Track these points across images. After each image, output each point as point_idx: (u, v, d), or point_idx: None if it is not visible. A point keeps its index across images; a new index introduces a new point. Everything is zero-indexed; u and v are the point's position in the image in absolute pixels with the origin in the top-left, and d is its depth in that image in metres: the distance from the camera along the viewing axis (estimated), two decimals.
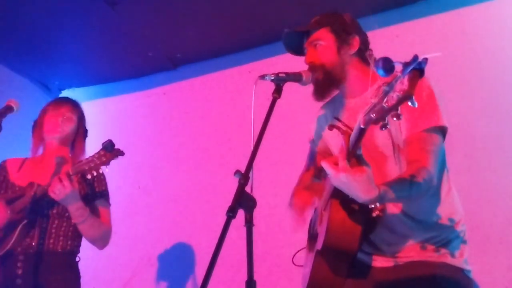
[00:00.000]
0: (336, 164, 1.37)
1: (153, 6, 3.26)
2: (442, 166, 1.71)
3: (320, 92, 1.81)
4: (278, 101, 1.64)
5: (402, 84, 1.08)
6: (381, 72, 1.08)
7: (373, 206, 1.41)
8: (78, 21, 3.39)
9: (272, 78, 1.67)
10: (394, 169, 1.68)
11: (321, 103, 1.93)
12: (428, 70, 1.12)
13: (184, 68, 3.93)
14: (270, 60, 3.47)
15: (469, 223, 1.75)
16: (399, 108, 1.10)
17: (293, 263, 1.94)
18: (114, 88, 4.16)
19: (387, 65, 1.08)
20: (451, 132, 1.65)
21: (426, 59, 1.06)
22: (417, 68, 1.06)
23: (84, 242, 2.43)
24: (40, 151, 2.48)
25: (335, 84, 1.81)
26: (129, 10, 3.30)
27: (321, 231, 1.67)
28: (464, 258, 1.67)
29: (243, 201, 1.40)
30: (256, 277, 1.37)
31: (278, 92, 1.65)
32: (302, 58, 1.90)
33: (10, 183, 2.38)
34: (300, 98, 2.01)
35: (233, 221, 1.37)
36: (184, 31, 3.51)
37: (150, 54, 3.76)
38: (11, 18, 3.29)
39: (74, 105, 2.54)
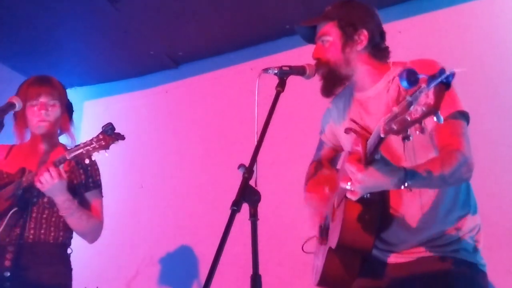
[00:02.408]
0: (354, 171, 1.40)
1: (154, 4, 3.26)
2: None
3: (326, 89, 1.81)
4: (282, 95, 1.63)
5: (427, 97, 1.05)
6: (404, 84, 1.07)
7: (405, 186, 1.42)
8: (79, 19, 3.39)
9: (276, 71, 1.67)
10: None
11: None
12: None
13: (186, 66, 3.93)
14: (271, 57, 3.46)
15: (484, 220, 1.74)
16: (423, 122, 1.08)
17: (303, 250, 1.92)
18: (116, 86, 4.16)
19: (412, 77, 1.06)
20: None
21: (453, 73, 1.03)
22: (444, 82, 1.03)
23: (85, 242, 2.37)
24: (27, 137, 2.34)
25: (341, 81, 1.80)
26: (131, 9, 3.30)
27: (334, 228, 1.66)
28: (478, 253, 1.65)
29: (248, 195, 1.39)
30: (261, 271, 1.36)
31: (281, 85, 1.65)
32: (304, 55, 1.89)
33: None
34: (303, 92, 2.01)
35: (237, 216, 1.36)
36: (185, 29, 3.50)
37: (151, 53, 3.76)
38: (12, 17, 3.30)
39: (52, 87, 2.32)
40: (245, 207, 1.40)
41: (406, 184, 1.42)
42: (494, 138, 2.74)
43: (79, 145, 2.01)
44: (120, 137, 1.99)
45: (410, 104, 1.10)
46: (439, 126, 1.56)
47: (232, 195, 1.40)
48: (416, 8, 3.12)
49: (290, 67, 1.71)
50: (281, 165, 3.15)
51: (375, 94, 1.77)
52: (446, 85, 1.03)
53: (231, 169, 1.60)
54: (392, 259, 1.68)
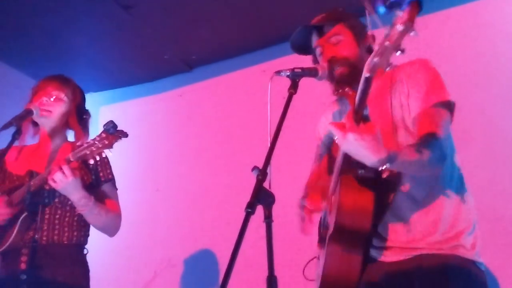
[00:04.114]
0: (343, 126, 1.37)
1: (167, 9, 3.29)
2: (451, 148, 1.68)
3: (346, 84, 1.77)
4: (294, 97, 1.64)
5: (402, 18, 1.13)
6: (381, 10, 1.15)
7: (383, 168, 1.39)
8: (94, 26, 3.43)
9: (288, 73, 1.67)
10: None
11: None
12: (444, 64, 1.15)
13: (199, 70, 3.95)
14: (284, 59, 3.45)
15: (491, 216, 1.71)
16: (402, 42, 1.15)
17: (304, 276, 1.89)
18: (131, 91, 4.20)
19: (386, 2, 1.15)
20: (471, 126, 1.64)
21: None
22: (415, 1, 1.11)
23: (104, 245, 2.39)
24: (36, 138, 2.33)
25: (358, 78, 1.79)
26: (144, 14, 3.33)
27: (333, 215, 1.64)
28: (476, 250, 1.62)
29: (262, 197, 1.39)
30: (276, 273, 1.37)
31: (294, 87, 1.65)
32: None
33: (8, 173, 2.24)
34: (316, 93, 2.01)
35: (252, 218, 1.37)
36: (198, 32, 3.53)
37: (165, 57, 3.79)
38: (27, 25, 3.35)
39: (63, 82, 2.29)
40: (259, 209, 1.41)
41: (384, 167, 1.39)
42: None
43: (82, 145, 1.97)
44: (123, 134, 1.93)
45: (386, 35, 1.18)
46: (421, 115, 1.59)
47: (246, 197, 1.41)
48: (427, 7, 3.09)
49: (302, 68, 1.71)
50: (295, 166, 3.15)
51: (377, 93, 1.74)
52: (418, 3, 1.12)
53: (245, 171, 1.61)
54: (389, 257, 1.64)
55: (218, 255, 3.39)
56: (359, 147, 1.36)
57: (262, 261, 1.40)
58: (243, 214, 1.36)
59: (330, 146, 1.97)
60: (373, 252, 1.67)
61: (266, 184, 1.44)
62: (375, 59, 1.22)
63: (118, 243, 2.44)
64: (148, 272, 3.59)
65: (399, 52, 1.16)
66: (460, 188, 1.68)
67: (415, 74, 1.68)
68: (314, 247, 1.90)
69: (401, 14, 1.13)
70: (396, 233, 1.64)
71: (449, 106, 1.62)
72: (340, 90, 1.80)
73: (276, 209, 1.43)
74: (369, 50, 1.83)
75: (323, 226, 1.86)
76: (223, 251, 3.36)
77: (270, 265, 1.36)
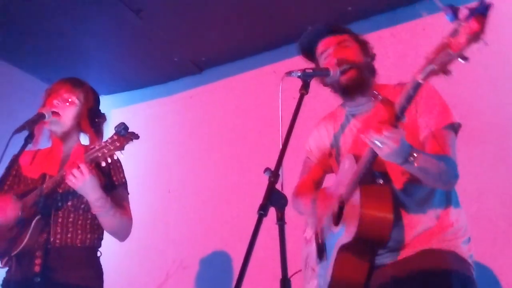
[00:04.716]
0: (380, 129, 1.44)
1: (177, 12, 3.30)
2: None
3: (354, 89, 1.82)
4: (306, 97, 1.63)
5: (470, 26, 1.16)
6: (450, 17, 1.19)
7: (411, 158, 1.48)
8: (105, 30, 3.46)
9: (299, 74, 1.68)
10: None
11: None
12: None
13: (209, 71, 3.96)
14: (293, 60, 3.43)
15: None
16: (466, 50, 1.19)
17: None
18: (142, 94, 4.22)
19: (454, 10, 1.20)
20: (487, 127, 1.67)
21: (491, 4, 1.15)
22: (483, 13, 1.15)
23: (117, 247, 2.39)
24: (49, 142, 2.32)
25: (366, 85, 1.84)
26: (154, 17, 3.35)
27: (349, 224, 1.65)
28: (471, 254, 1.70)
29: (274, 199, 1.39)
30: (290, 275, 1.36)
31: (305, 88, 1.65)
32: None
33: (22, 177, 2.24)
34: (327, 94, 2.00)
35: (265, 220, 1.36)
36: (207, 34, 3.53)
37: (175, 59, 3.81)
38: (39, 29, 3.38)
39: (75, 84, 2.28)
40: (272, 211, 1.40)
41: (414, 155, 1.48)
42: None
43: (93, 148, 1.97)
44: (134, 136, 1.92)
45: (446, 45, 1.22)
46: (429, 137, 1.69)
47: (258, 199, 1.40)
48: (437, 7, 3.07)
49: (313, 69, 1.74)
50: None
51: (377, 114, 1.81)
52: (484, 15, 1.16)
53: (257, 172, 1.60)
54: (391, 259, 1.69)
55: (230, 257, 3.38)
56: (398, 144, 1.44)
57: (274, 263, 1.39)
58: (255, 216, 1.36)
59: (322, 160, 2.02)
60: (380, 258, 1.71)
61: (278, 186, 1.43)
62: (433, 66, 1.27)
63: (130, 245, 2.45)
64: (160, 273, 3.60)
65: (462, 60, 1.21)
66: (456, 196, 1.79)
67: (424, 98, 1.75)
68: None
69: (469, 22, 1.16)
70: (397, 235, 1.67)
71: (455, 128, 1.74)
72: (349, 95, 1.85)
73: (288, 211, 1.42)
74: (370, 67, 1.91)
75: (320, 244, 1.87)
76: (234, 252, 3.35)
77: (284, 268, 1.35)
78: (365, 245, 1.61)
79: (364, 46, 1.92)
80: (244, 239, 1.34)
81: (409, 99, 1.40)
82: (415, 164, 1.49)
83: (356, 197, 1.62)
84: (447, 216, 1.71)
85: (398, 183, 1.69)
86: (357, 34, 1.96)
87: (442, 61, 1.25)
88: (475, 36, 1.16)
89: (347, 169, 1.75)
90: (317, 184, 2.03)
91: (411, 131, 1.71)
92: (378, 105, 1.83)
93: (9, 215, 2.07)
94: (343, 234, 1.67)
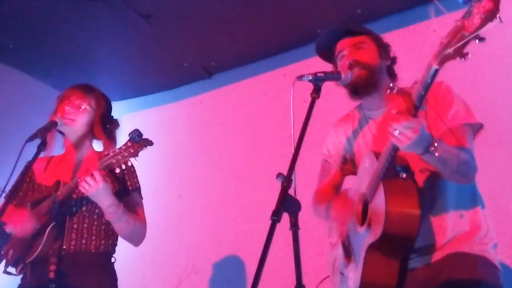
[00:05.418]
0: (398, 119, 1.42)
1: (186, 17, 3.31)
2: None
3: (361, 88, 1.80)
4: (317, 101, 1.62)
5: (484, 6, 1.13)
6: (463, 0, 1.16)
7: (432, 148, 1.46)
8: (115, 36, 3.48)
9: (310, 78, 1.66)
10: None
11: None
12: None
13: (219, 76, 3.96)
14: (303, 63, 3.44)
15: None
16: (482, 30, 1.15)
17: None
18: (151, 99, 4.23)
19: None
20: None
21: None
22: None
23: (129, 252, 2.40)
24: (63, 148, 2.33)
25: (374, 85, 1.82)
26: (163, 22, 3.36)
27: (376, 222, 1.62)
28: (498, 258, 1.68)
29: (288, 204, 1.38)
30: (304, 281, 1.34)
31: (317, 92, 1.65)
32: None
33: (36, 184, 2.26)
34: (339, 97, 1.99)
35: (278, 225, 1.35)
36: (216, 39, 3.54)
37: (185, 64, 3.81)
38: (49, 36, 3.40)
39: (86, 91, 2.29)
40: (285, 216, 1.39)
41: (435, 145, 1.46)
42: None
43: (108, 154, 1.98)
44: (148, 142, 1.93)
45: (459, 28, 1.19)
46: (447, 132, 1.64)
47: (271, 201, 1.39)
48: (450, 6, 3.04)
49: (325, 72, 1.72)
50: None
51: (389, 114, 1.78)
52: None
53: (269, 174, 1.59)
54: (421, 263, 1.67)
55: (242, 261, 3.37)
56: (419, 133, 1.41)
57: (288, 269, 1.38)
58: (267, 220, 1.35)
59: (340, 163, 1.99)
60: (411, 262, 1.68)
61: (291, 191, 1.42)
62: (449, 50, 1.24)
63: (142, 250, 2.45)
64: (172, 278, 3.60)
65: (478, 41, 1.18)
66: (481, 197, 1.76)
67: (442, 98, 1.73)
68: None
69: (482, 3, 1.14)
70: (426, 239, 1.65)
71: (474, 128, 1.71)
72: (356, 94, 1.84)
73: (302, 216, 1.41)
74: (389, 70, 1.90)
75: (346, 247, 1.84)
76: (247, 257, 3.34)
77: (298, 274, 1.34)
78: (393, 242, 1.57)
79: (382, 49, 1.90)
80: (256, 243, 1.33)
81: (427, 87, 1.36)
82: (436, 154, 1.46)
83: (380, 194, 1.59)
84: (476, 218, 1.68)
85: (420, 181, 1.67)
86: (377, 36, 1.93)
87: (457, 44, 1.22)
88: (490, 15, 1.13)
89: (368, 167, 1.72)
90: (337, 187, 2.00)
91: (431, 121, 1.69)
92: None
93: (26, 228, 2.09)
94: (369, 234, 1.65)
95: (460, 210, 1.67)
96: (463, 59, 1.21)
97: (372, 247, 1.62)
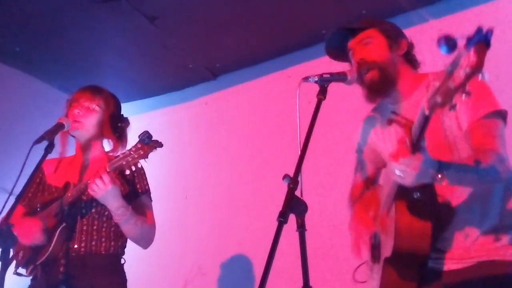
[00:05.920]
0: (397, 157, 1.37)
1: (191, 19, 3.32)
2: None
3: (376, 91, 1.76)
4: (323, 102, 1.62)
5: (469, 59, 1.05)
6: (444, 49, 1.08)
7: (439, 176, 1.39)
8: (121, 38, 3.49)
9: (316, 79, 1.65)
10: None
11: (363, 108, 1.90)
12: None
13: (224, 77, 3.95)
14: (309, 64, 3.44)
15: None
16: (467, 85, 1.08)
17: (354, 279, 1.86)
18: (157, 101, 4.24)
19: (450, 41, 1.07)
20: None
21: (491, 30, 1.03)
22: (482, 41, 1.03)
23: (135, 252, 2.40)
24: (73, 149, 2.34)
25: (390, 83, 1.76)
26: (168, 24, 3.36)
27: (387, 237, 1.61)
28: None
29: (294, 206, 1.38)
30: (311, 283, 1.34)
31: (323, 93, 1.64)
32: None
33: (46, 185, 2.27)
34: (346, 98, 1.98)
35: (285, 227, 1.35)
36: (221, 41, 3.54)
37: (190, 66, 3.82)
38: (56, 38, 3.42)
39: (94, 92, 2.30)
40: (292, 218, 1.39)
41: (439, 176, 1.39)
42: None
43: (118, 156, 2.00)
44: (158, 144, 1.95)
45: (450, 72, 1.10)
46: (474, 127, 1.56)
47: (277, 202, 1.39)
48: (457, 5, 3.04)
49: (331, 74, 1.69)
50: (326, 174, 3.11)
51: (415, 102, 1.71)
52: (485, 43, 1.04)
53: (275, 175, 1.59)
54: (447, 266, 1.61)
55: (249, 262, 3.37)
56: (419, 170, 1.36)
57: (294, 270, 1.37)
58: (273, 221, 1.35)
59: (372, 157, 1.93)
60: (430, 263, 1.62)
61: (297, 192, 1.42)
62: (437, 99, 1.16)
63: (149, 252, 2.46)
64: (179, 280, 3.60)
65: (464, 96, 1.10)
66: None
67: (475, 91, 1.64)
68: (349, 256, 1.86)
69: (468, 55, 1.06)
70: (455, 243, 1.61)
71: (502, 115, 1.61)
72: (373, 97, 1.79)
73: (308, 218, 1.41)
74: (407, 57, 1.82)
75: (374, 244, 1.81)
76: (253, 258, 3.34)
77: (305, 275, 1.34)
78: (407, 259, 1.54)
79: (392, 39, 1.80)
80: (263, 245, 1.33)
81: (421, 129, 1.31)
82: (443, 183, 1.41)
83: (393, 211, 1.57)
84: (505, 218, 1.60)
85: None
86: (385, 26, 1.84)
87: (446, 95, 1.14)
88: (473, 71, 1.05)
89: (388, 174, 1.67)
90: (372, 181, 1.94)
91: (460, 114, 1.60)
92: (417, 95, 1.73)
93: (35, 239, 2.10)
94: (384, 247, 1.64)
95: (485, 209, 1.60)
96: (452, 110, 1.15)
97: (387, 261, 1.60)
